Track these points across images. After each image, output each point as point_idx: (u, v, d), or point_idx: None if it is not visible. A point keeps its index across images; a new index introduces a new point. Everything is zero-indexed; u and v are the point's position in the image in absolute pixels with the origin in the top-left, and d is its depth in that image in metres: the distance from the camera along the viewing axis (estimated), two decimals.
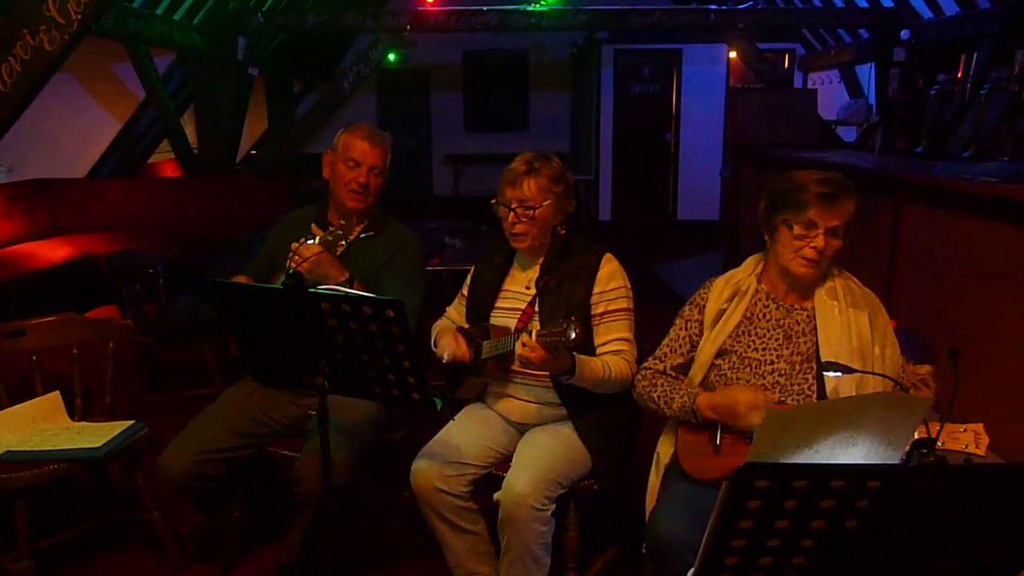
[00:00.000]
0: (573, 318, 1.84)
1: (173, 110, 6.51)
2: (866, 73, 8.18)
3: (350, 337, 1.82)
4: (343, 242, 2.15)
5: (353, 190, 2.40)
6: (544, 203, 2.17)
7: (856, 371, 1.64)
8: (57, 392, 2.60)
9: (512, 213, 2.19)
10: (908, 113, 5.98)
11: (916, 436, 1.25)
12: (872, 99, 7.61)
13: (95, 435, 2.43)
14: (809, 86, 9.40)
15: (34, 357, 2.59)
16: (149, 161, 7.86)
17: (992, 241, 3.32)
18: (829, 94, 8.90)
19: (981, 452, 1.54)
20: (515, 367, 2.19)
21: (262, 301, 1.89)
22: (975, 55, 4.98)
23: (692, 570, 1.65)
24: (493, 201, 2.24)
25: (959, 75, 5.01)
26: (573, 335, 1.81)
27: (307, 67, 9.34)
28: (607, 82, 9.89)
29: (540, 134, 11.56)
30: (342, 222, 2.17)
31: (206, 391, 3.73)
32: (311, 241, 2.17)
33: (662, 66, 9.88)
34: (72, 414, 2.63)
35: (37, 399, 2.56)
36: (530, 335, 1.91)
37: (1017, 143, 4.17)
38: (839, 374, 1.65)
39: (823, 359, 1.84)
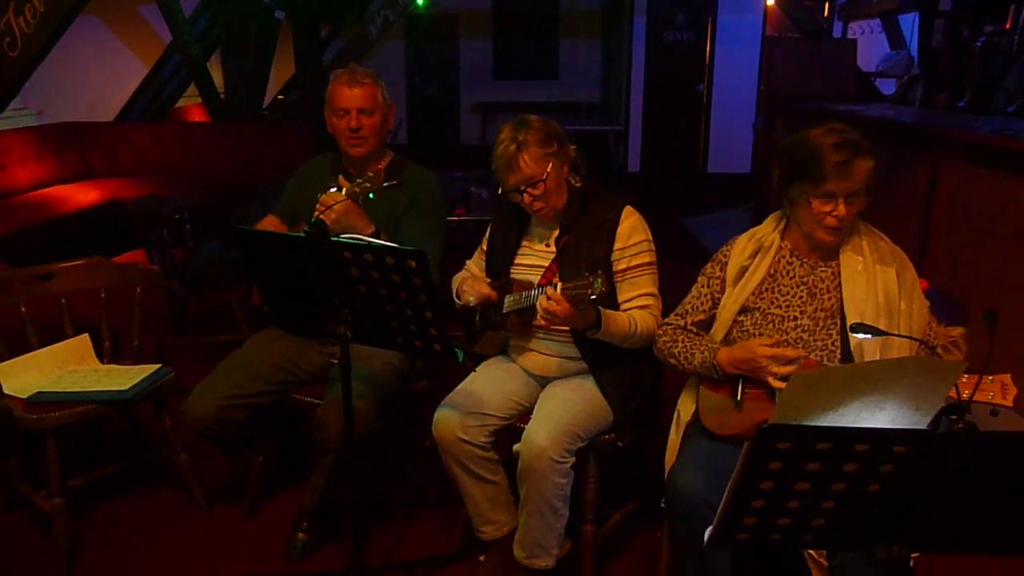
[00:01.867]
0: (599, 271, 1.81)
1: (199, 54, 6.46)
2: (908, 23, 7.87)
3: (372, 287, 1.82)
4: (371, 194, 2.13)
5: (349, 138, 2.40)
6: (547, 171, 2.11)
7: (885, 333, 1.60)
8: (86, 335, 2.64)
9: (524, 195, 2.14)
10: (952, 65, 5.75)
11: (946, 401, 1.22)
12: (914, 50, 7.33)
13: (123, 378, 2.46)
14: (849, 36, 9.08)
15: (63, 300, 2.61)
16: (176, 105, 7.85)
17: None
18: (869, 44, 8.59)
19: (1008, 403, 1.50)
20: (537, 322, 2.18)
21: (285, 249, 1.89)
22: None
23: (711, 528, 1.65)
24: (500, 192, 2.18)
25: (1007, 26, 4.79)
26: (600, 289, 1.78)
27: (334, 12, 9.20)
28: (639, 30, 9.64)
29: (569, 83, 11.36)
30: (370, 174, 2.15)
31: (232, 337, 3.78)
32: (333, 190, 2.15)
33: (696, 14, 9.59)
34: (101, 356, 2.67)
35: (66, 341, 2.60)
36: (555, 288, 1.88)
37: None
38: (868, 336, 1.62)
39: (848, 316, 1.80)
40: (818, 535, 1.27)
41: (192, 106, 8.18)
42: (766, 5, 9.26)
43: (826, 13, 8.87)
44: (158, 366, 2.55)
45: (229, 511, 2.62)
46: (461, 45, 11.64)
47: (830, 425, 1.14)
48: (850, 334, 1.75)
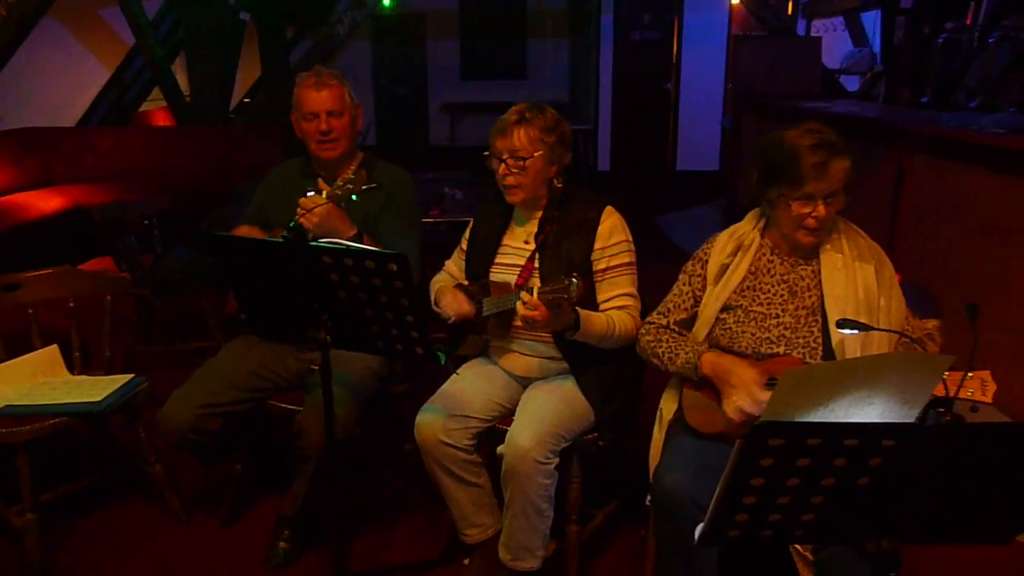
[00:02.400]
0: (575, 273, 1.80)
1: (163, 57, 6.35)
2: (870, 21, 8.00)
3: (353, 291, 1.79)
4: (354, 196, 2.11)
5: (319, 141, 2.39)
6: (535, 154, 2.11)
7: (871, 328, 1.62)
8: (55, 346, 2.58)
9: (503, 164, 2.14)
10: (913, 62, 5.86)
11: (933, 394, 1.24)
12: (877, 47, 7.45)
13: (94, 389, 2.41)
14: (812, 34, 9.21)
15: (30, 311, 2.55)
16: (140, 110, 7.72)
17: (998, 193, 3.28)
18: (832, 42, 8.72)
19: (988, 399, 1.52)
20: (516, 323, 2.17)
21: (263, 255, 1.86)
22: (983, 2, 4.87)
23: (701, 525, 1.65)
24: (486, 153, 2.19)
25: (968, 23, 4.90)
26: (576, 291, 1.77)
27: (300, 13, 9.10)
28: (607, 29, 9.68)
29: (538, 82, 11.35)
30: (351, 175, 2.12)
31: (204, 344, 3.72)
32: (311, 193, 2.12)
33: (663, 13, 9.66)
34: (71, 367, 2.61)
35: (35, 353, 2.54)
36: (531, 293, 1.88)
37: None
38: (855, 332, 1.63)
39: (829, 313, 1.82)
40: (807, 530, 1.28)
41: (156, 110, 8.04)
42: (731, 4, 9.36)
43: (789, 11, 9.00)
44: (131, 376, 2.50)
45: (206, 522, 2.58)
46: (428, 46, 11.57)
47: (820, 421, 1.15)
48: (833, 330, 1.77)
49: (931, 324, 1.87)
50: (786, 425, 1.09)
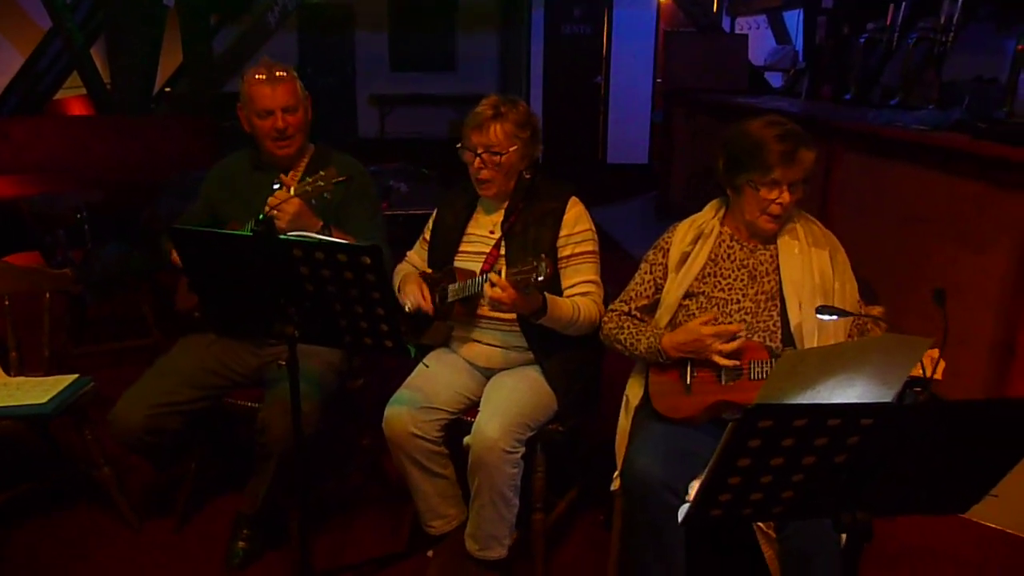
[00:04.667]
0: (543, 255, 1.83)
1: (82, 43, 6.06)
2: (792, 19, 8.31)
3: (321, 284, 1.77)
4: (327, 194, 2.08)
5: (274, 139, 2.33)
6: (511, 149, 2.14)
7: (849, 314, 1.71)
8: None
9: (478, 159, 2.15)
10: (834, 60, 6.12)
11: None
12: (799, 45, 7.75)
13: (37, 391, 2.31)
14: (736, 31, 9.50)
15: None
16: (55, 98, 7.35)
17: (921, 186, 3.47)
18: (756, 39, 9.01)
19: (939, 376, 1.61)
20: (482, 311, 2.19)
21: (230, 249, 1.81)
22: (902, 4, 5.12)
23: (685, 507, 1.70)
24: (458, 146, 2.19)
25: (888, 23, 5.14)
26: (545, 272, 1.80)
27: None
28: (537, 22, 9.75)
29: (467, 75, 11.33)
30: (322, 172, 2.08)
31: (141, 342, 3.60)
32: (277, 187, 2.08)
33: (593, 7, 9.78)
34: (6, 369, 2.49)
35: None
36: (499, 275, 1.89)
37: (943, 91, 4.33)
38: (835, 317, 1.71)
39: (787, 297, 1.91)
40: (786, 507, 1.34)
41: (71, 98, 7.67)
42: (659, 0, 9.55)
43: (715, 9, 9.24)
44: (75, 376, 2.40)
45: (159, 524, 2.50)
46: (357, 37, 11.41)
47: (806, 403, 1.21)
48: (792, 314, 1.85)
49: (876, 310, 1.97)
50: (775, 407, 1.14)
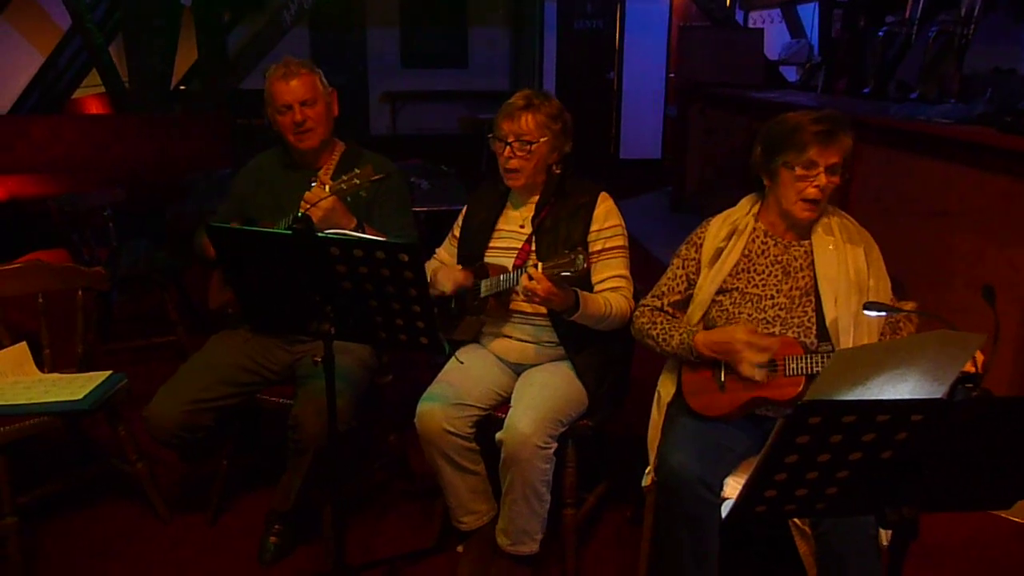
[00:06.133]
0: (579, 247, 1.84)
1: (102, 42, 6.09)
2: (807, 13, 8.26)
3: (359, 282, 1.78)
4: (363, 192, 2.10)
5: (295, 132, 2.36)
6: (541, 139, 2.15)
7: (897, 310, 1.70)
8: (24, 343, 2.48)
9: (508, 148, 2.17)
10: (850, 54, 6.09)
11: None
12: (814, 39, 7.70)
13: (71, 387, 2.33)
14: (750, 25, 9.45)
15: None
16: (72, 97, 7.40)
17: (946, 180, 3.45)
18: (770, 33, 8.96)
19: (979, 370, 1.60)
20: (514, 306, 2.20)
21: (268, 246, 1.83)
22: None
23: (728, 503, 1.71)
24: (489, 135, 2.21)
25: (907, 16, 5.11)
26: (582, 264, 1.81)
27: None
28: (550, 18, 9.73)
29: (479, 71, 11.31)
30: (357, 170, 2.11)
31: (166, 339, 3.63)
32: (315, 185, 2.10)
33: (606, 2, 9.76)
34: (40, 366, 2.52)
35: (2, 351, 2.44)
36: (536, 267, 1.90)
37: (963, 85, 4.30)
38: (883, 313, 1.71)
39: (822, 293, 1.90)
40: (829, 503, 1.35)
41: (89, 97, 7.71)
42: None
43: (728, 3, 9.20)
44: (108, 373, 2.43)
45: (191, 520, 2.52)
46: (368, 33, 11.41)
47: (856, 399, 1.21)
48: (827, 310, 1.85)
49: (908, 305, 1.96)
50: (826, 403, 1.14)
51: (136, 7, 5.93)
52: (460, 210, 2.44)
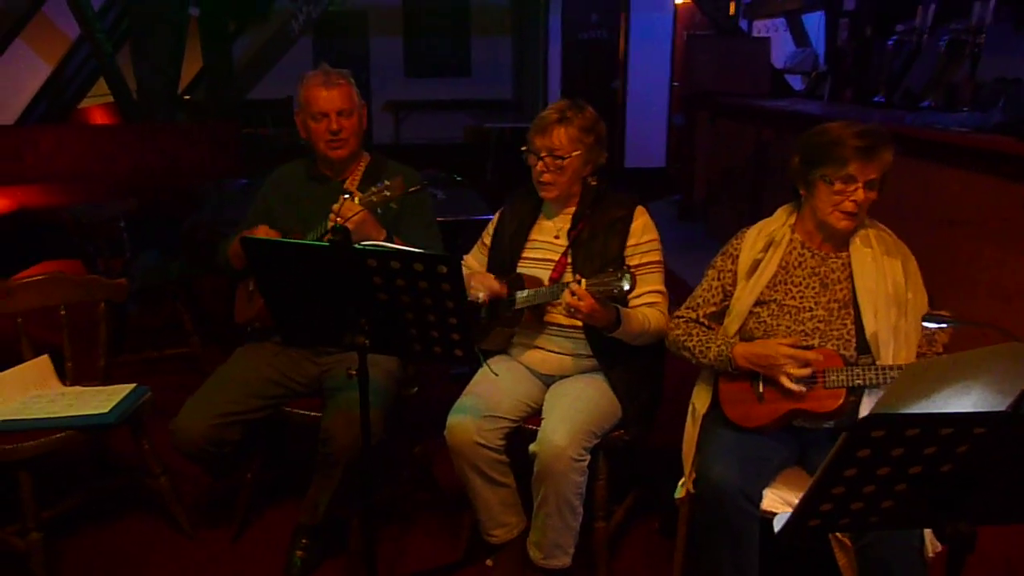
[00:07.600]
0: (626, 266, 1.82)
1: (111, 51, 6.08)
2: (812, 22, 8.27)
3: (395, 294, 1.77)
4: (393, 204, 2.09)
5: (328, 141, 2.34)
6: (573, 153, 2.14)
7: (956, 322, 1.69)
8: (46, 356, 2.46)
9: (541, 162, 2.16)
10: (856, 63, 6.09)
11: None
12: (819, 48, 7.72)
13: (96, 400, 2.31)
14: (754, 34, 9.47)
15: (19, 320, 2.42)
16: (79, 106, 7.39)
17: (966, 189, 3.45)
18: (775, 42, 8.99)
19: None
20: (548, 318, 2.18)
21: (301, 258, 1.81)
22: (930, 5, 5.09)
23: (782, 517, 1.69)
24: (523, 148, 2.20)
25: (917, 24, 5.12)
26: (627, 286, 1.80)
27: (242, 7, 8.87)
28: (555, 28, 9.76)
29: (482, 80, 11.35)
30: (387, 182, 2.09)
31: (181, 351, 3.60)
32: (346, 197, 2.09)
33: (610, 12, 9.79)
34: (62, 379, 2.49)
35: (25, 364, 2.41)
36: (579, 284, 1.89)
37: (976, 93, 4.30)
38: (944, 325, 1.70)
39: (861, 305, 1.89)
40: (883, 517, 1.33)
41: (94, 107, 7.71)
42: (676, 3, 9.54)
43: (732, 12, 9.22)
44: (133, 386, 2.41)
45: (215, 534, 2.49)
46: (371, 42, 11.44)
47: (920, 412, 1.20)
48: (867, 322, 1.84)
49: (944, 313, 1.95)
50: (889, 417, 1.13)
51: (144, 17, 5.93)
52: (477, 220, 2.44)
